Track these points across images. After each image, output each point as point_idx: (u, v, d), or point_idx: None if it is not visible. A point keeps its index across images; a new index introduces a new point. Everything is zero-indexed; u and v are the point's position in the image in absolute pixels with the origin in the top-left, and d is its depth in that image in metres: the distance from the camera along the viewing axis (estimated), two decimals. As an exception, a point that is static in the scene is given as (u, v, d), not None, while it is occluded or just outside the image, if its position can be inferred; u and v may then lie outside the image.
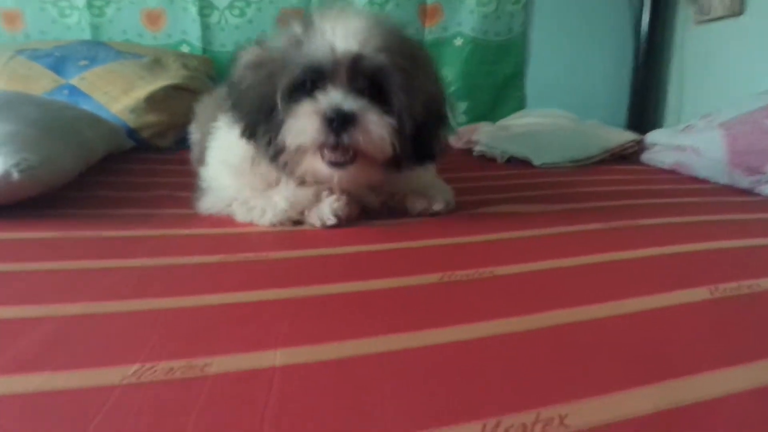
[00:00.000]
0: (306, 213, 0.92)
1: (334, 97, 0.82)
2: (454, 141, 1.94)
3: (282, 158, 0.88)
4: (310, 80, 0.84)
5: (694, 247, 0.80)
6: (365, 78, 0.84)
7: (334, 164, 0.86)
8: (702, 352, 0.51)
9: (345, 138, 0.82)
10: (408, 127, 0.85)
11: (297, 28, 0.88)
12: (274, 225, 0.92)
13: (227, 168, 0.98)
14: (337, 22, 0.84)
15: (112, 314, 0.59)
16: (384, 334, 0.54)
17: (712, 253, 0.79)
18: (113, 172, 1.36)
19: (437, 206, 0.99)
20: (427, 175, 1.04)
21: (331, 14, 0.87)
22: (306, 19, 0.89)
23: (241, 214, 0.95)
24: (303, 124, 0.82)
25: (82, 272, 0.71)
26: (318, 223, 0.90)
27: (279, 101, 0.84)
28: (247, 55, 0.93)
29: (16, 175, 0.90)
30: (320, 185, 0.92)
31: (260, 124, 0.88)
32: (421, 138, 0.89)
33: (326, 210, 0.89)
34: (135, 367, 0.48)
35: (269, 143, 0.87)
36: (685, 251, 0.79)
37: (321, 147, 0.85)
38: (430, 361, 0.50)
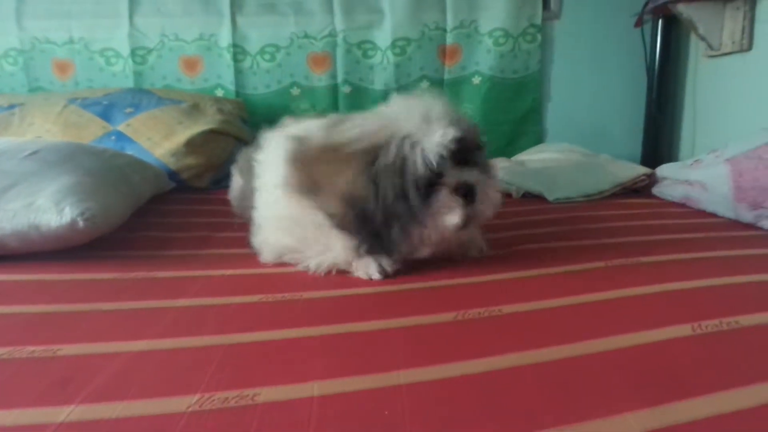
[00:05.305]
0: (354, 264, 0.97)
1: (461, 174, 0.92)
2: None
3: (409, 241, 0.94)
4: (430, 171, 0.89)
5: (682, 285, 0.88)
6: (462, 153, 0.92)
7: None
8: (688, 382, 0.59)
9: (476, 205, 0.93)
10: None
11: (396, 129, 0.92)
12: (321, 273, 0.98)
13: (281, 227, 1.03)
14: (426, 109, 0.92)
15: (173, 350, 0.70)
16: (405, 368, 0.63)
17: (698, 291, 0.86)
18: (157, 213, 1.49)
19: (473, 253, 1.08)
20: None
21: (417, 105, 0.94)
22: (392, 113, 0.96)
23: (292, 262, 1.02)
24: (449, 208, 0.91)
25: (142, 311, 0.83)
26: (364, 277, 0.96)
27: (414, 198, 0.90)
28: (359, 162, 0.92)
29: (81, 224, 1.02)
30: None
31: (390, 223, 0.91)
32: None
33: (373, 266, 0.96)
34: (197, 396, 0.58)
35: (397, 235, 0.92)
36: (673, 289, 0.87)
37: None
38: (445, 392, 0.59)
